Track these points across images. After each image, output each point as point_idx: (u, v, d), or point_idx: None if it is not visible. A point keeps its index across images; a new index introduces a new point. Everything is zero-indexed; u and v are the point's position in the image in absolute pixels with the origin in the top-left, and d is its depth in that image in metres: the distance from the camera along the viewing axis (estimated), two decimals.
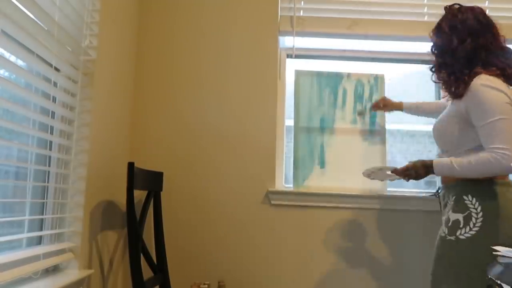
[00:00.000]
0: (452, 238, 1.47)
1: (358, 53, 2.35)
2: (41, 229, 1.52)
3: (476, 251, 1.41)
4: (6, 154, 1.37)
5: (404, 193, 2.17)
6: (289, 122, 2.26)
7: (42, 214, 1.53)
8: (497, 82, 1.44)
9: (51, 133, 1.55)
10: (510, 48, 1.53)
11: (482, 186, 1.47)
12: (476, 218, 1.44)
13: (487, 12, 2.04)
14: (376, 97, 2.18)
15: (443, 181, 1.64)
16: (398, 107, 2.04)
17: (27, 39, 1.29)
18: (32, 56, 1.35)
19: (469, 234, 1.44)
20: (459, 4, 1.59)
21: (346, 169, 2.13)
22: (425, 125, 2.24)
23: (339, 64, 2.36)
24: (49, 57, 1.44)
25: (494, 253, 1.36)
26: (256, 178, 2.15)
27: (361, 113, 2.18)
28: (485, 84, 1.43)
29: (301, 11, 2.30)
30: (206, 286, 2.00)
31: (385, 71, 2.26)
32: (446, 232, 1.50)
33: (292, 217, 2.13)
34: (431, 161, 1.55)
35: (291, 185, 2.15)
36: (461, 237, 1.45)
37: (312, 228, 2.12)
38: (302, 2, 2.30)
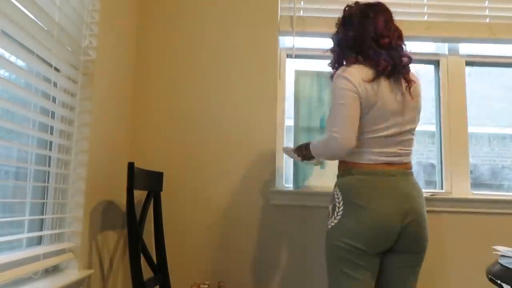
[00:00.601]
0: (326, 229, 1.52)
1: None
2: (41, 229, 1.53)
3: (336, 239, 1.46)
4: (6, 154, 1.37)
5: None
6: (289, 122, 2.26)
7: (42, 214, 1.53)
8: (350, 71, 1.47)
9: (51, 133, 1.55)
10: (401, 48, 1.54)
11: (343, 176, 1.53)
12: (339, 207, 1.48)
13: (486, 12, 2.04)
14: None
15: None
16: None
17: (27, 39, 1.29)
18: (32, 56, 1.35)
19: (333, 223, 1.49)
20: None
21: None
22: (425, 124, 2.24)
23: None
24: (49, 57, 1.44)
25: (494, 252, 1.36)
26: (256, 178, 2.15)
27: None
28: (337, 73, 1.51)
29: (301, 11, 2.30)
30: (206, 286, 2.00)
31: None
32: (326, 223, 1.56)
33: (292, 217, 2.13)
34: (309, 142, 1.65)
35: (291, 185, 2.15)
36: (329, 226, 1.50)
37: (312, 228, 2.12)
38: (302, 2, 2.30)
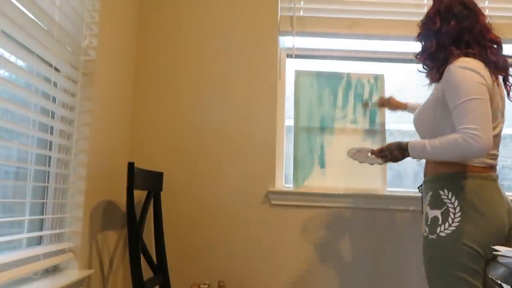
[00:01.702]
0: (434, 236, 1.41)
1: (358, 53, 2.35)
2: (41, 229, 1.52)
3: (457, 247, 1.36)
4: (6, 154, 1.37)
5: (404, 193, 2.17)
6: (289, 122, 2.26)
7: (42, 214, 1.53)
8: (474, 63, 1.39)
9: (51, 133, 1.55)
10: (501, 42, 1.49)
11: (458, 180, 1.41)
12: (454, 213, 1.38)
13: (486, 12, 2.04)
14: (376, 97, 2.18)
15: (424, 175, 1.60)
16: (403, 106, 2.04)
17: (27, 39, 1.29)
18: (32, 56, 1.35)
19: (449, 230, 1.38)
20: None
21: (346, 169, 2.13)
22: None
23: (339, 64, 2.36)
24: (49, 57, 1.44)
25: (494, 252, 1.36)
26: (256, 178, 2.15)
27: (366, 105, 2.17)
28: (460, 65, 1.39)
29: (301, 11, 2.30)
30: (206, 286, 2.00)
31: (385, 71, 2.25)
32: (427, 231, 1.44)
33: (292, 217, 2.13)
34: (406, 142, 1.51)
35: (291, 185, 2.15)
36: (442, 234, 1.39)
37: (312, 228, 2.12)
38: (302, 2, 2.30)
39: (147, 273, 1.77)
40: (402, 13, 2.27)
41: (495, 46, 1.46)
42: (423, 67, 1.59)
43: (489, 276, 1.37)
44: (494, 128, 1.39)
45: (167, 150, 2.18)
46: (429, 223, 1.43)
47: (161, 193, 2.04)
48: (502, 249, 1.34)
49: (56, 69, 1.51)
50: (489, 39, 1.47)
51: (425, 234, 1.45)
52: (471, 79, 1.35)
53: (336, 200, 2.12)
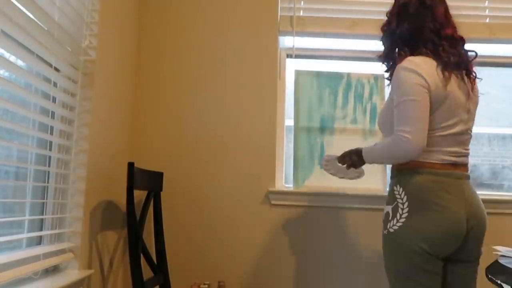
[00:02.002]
0: (385, 232, 1.41)
1: (358, 53, 2.35)
2: (41, 229, 1.52)
3: (404, 243, 1.34)
4: (6, 154, 1.37)
5: None
6: (289, 122, 2.26)
7: (42, 214, 1.53)
8: (417, 63, 1.36)
9: (51, 133, 1.55)
10: (461, 40, 1.47)
11: (411, 175, 1.39)
12: (402, 209, 1.37)
13: (486, 12, 2.03)
14: (376, 97, 2.18)
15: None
16: None
17: (27, 39, 1.29)
18: (32, 56, 1.35)
19: (397, 226, 1.37)
20: None
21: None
22: None
23: (339, 64, 2.36)
24: (49, 57, 1.44)
25: (494, 253, 1.36)
26: (256, 178, 2.15)
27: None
28: (402, 66, 1.37)
29: (301, 11, 2.30)
30: (206, 286, 2.00)
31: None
32: (382, 226, 1.44)
33: (292, 217, 2.13)
34: (362, 147, 1.54)
35: (291, 185, 2.15)
36: (391, 230, 1.38)
37: (312, 228, 2.12)
38: (302, 2, 2.30)
39: (147, 273, 1.77)
40: None
41: (449, 42, 1.42)
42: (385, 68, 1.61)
43: (489, 276, 1.37)
44: (449, 126, 1.38)
45: (167, 150, 2.19)
46: (383, 218, 1.44)
47: (161, 193, 2.04)
48: (502, 249, 1.34)
49: (56, 69, 1.51)
50: (444, 36, 1.43)
51: (382, 230, 1.46)
52: (408, 79, 1.34)
53: (336, 200, 2.12)
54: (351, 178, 1.75)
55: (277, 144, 2.19)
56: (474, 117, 1.48)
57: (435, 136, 1.37)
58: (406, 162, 1.40)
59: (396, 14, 1.51)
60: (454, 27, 1.47)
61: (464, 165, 1.44)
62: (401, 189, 1.39)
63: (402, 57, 1.42)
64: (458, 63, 1.40)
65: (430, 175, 1.37)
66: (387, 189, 2.09)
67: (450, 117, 1.38)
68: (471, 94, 1.44)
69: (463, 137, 1.42)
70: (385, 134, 1.55)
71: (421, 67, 1.35)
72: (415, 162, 1.39)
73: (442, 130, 1.38)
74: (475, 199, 1.39)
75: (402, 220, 1.36)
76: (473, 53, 1.47)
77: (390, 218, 1.39)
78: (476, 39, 2.27)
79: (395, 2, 1.55)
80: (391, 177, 1.49)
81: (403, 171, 1.42)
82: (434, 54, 1.39)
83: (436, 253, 1.33)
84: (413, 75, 1.34)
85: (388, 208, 1.42)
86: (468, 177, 1.42)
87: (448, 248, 1.35)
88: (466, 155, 1.45)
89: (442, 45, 1.41)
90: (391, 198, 1.42)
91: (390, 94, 1.48)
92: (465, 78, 1.43)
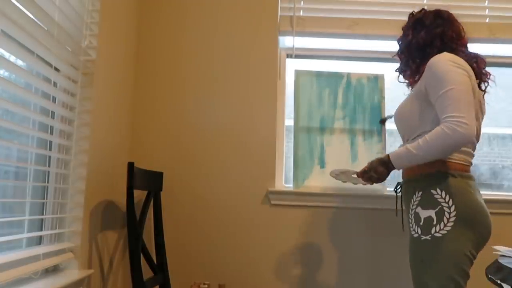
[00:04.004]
0: (428, 237, 1.35)
1: (358, 53, 2.35)
2: (41, 229, 1.52)
3: (454, 248, 1.32)
4: (6, 154, 1.37)
5: None
6: (289, 122, 2.26)
7: (42, 214, 1.53)
8: (456, 58, 1.39)
9: (51, 133, 1.55)
10: (473, 51, 1.52)
11: (443, 178, 1.37)
12: (449, 213, 1.33)
13: (486, 12, 2.05)
14: (376, 97, 2.18)
15: (404, 176, 1.56)
16: None
17: (27, 39, 1.29)
18: (32, 56, 1.35)
19: (444, 231, 1.33)
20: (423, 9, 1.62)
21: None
22: None
23: (339, 64, 2.36)
24: (49, 57, 1.44)
25: (494, 252, 1.36)
26: (256, 178, 2.15)
27: (383, 121, 2.17)
28: (444, 58, 1.38)
29: (301, 11, 2.30)
30: (206, 286, 2.00)
31: (385, 71, 2.26)
32: (419, 232, 1.38)
33: (292, 217, 2.13)
34: (387, 155, 1.46)
35: (291, 185, 2.15)
36: (437, 235, 1.33)
37: (312, 228, 2.13)
38: (302, 2, 2.30)
39: (147, 273, 1.77)
40: (402, 13, 2.26)
41: (465, 49, 1.49)
42: (404, 77, 1.67)
43: (489, 276, 1.37)
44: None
45: (167, 150, 2.19)
46: (421, 223, 1.38)
47: (161, 193, 2.04)
48: (502, 249, 1.34)
49: (56, 69, 1.52)
50: (460, 44, 1.49)
51: (416, 235, 1.39)
52: (451, 68, 1.34)
53: (336, 200, 2.12)
54: (355, 184, 1.73)
55: (277, 144, 2.20)
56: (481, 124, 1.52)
57: None
58: (433, 164, 1.38)
59: (412, 27, 1.58)
60: (466, 43, 1.53)
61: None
62: (443, 192, 1.35)
63: (433, 54, 1.44)
64: (479, 70, 1.44)
65: (463, 178, 1.38)
66: (387, 189, 2.10)
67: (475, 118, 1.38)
68: (482, 101, 1.49)
69: (477, 140, 1.46)
70: (403, 129, 1.55)
71: (461, 62, 1.38)
72: (445, 164, 1.38)
73: None
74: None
75: (450, 224, 1.32)
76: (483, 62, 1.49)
77: (434, 222, 1.34)
78: (476, 39, 2.28)
79: (409, 18, 1.62)
80: (418, 180, 1.44)
81: (436, 173, 1.38)
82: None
83: (476, 256, 1.35)
84: (456, 66, 1.35)
85: (431, 213, 1.36)
86: None
87: (482, 248, 1.38)
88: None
89: (462, 51, 1.46)
90: (432, 202, 1.36)
91: (413, 90, 1.50)
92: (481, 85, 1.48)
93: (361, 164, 2.09)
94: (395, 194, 1.68)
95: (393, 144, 2.32)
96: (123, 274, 2.06)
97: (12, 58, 1.32)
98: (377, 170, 1.48)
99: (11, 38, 1.25)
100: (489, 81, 1.49)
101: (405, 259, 2.11)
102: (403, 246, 2.10)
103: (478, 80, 1.45)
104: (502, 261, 1.36)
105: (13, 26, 1.21)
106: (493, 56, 2.34)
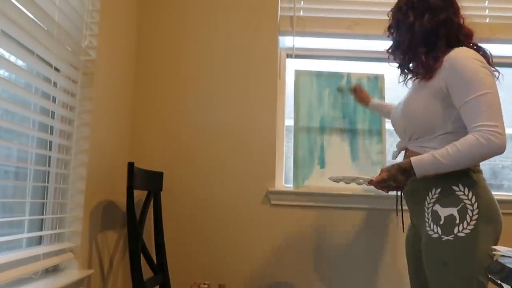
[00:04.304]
0: (450, 238, 1.26)
1: (358, 53, 2.35)
2: (41, 229, 1.52)
3: (479, 248, 1.24)
4: (6, 154, 1.37)
5: None
6: (289, 122, 2.26)
7: (42, 214, 1.53)
8: (478, 55, 1.31)
9: (51, 133, 1.55)
10: (473, 36, 1.40)
11: (470, 174, 1.30)
12: (472, 211, 1.25)
13: (486, 12, 2.02)
14: (376, 97, 2.18)
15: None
16: (366, 100, 1.98)
17: (27, 39, 1.29)
18: (32, 56, 1.35)
19: (468, 229, 1.24)
20: None
21: (346, 169, 2.13)
22: None
23: (339, 64, 2.36)
24: (49, 57, 1.44)
25: (494, 252, 1.36)
26: (256, 178, 2.15)
27: (341, 89, 2.17)
28: (467, 55, 1.28)
29: (301, 11, 2.30)
30: (206, 286, 2.00)
31: (385, 71, 2.26)
32: (439, 232, 1.28)
33: (292, 217, 2.13)
34: (408, 162, 1.31)
35: (291, 185, 2.15)
36: (460, 234, 1.25)
37: (312, 228, 2.12)
38: (302, 2, 2.30)
39: (147, 273, 1.77)
40: None
41: (470, 41, 1.38)
42: (398, 62, 1.49)
43: (489, 276, 1.37)
44: None
45: (167, 150, 2.19)
46: (442, 222, 1.28)
47: (161, 193, 2.04)
48: (502, 249, 1.34)
49: (56, 69, 1.51)
50: (465, 34, 1.38)
51: (436, 235, 1.29)
52: (480, 70, 1.24)
53: (336, 200, 2.12)
54: (359, 184, 1.61)
55: (277, 144, 2.20)
56: None
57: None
58: None
59: (412, 6, 1.39)
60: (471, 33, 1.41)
61: None
62: (466, 189, 1.27)
63: (439, 48, 1.33)
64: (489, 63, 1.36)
65: (480, 173, 1.33)
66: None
67: None
68: None
69: None
70: (412, 131, 1.42)
71: (483, 60, 1.30)
72: None
73: None
74: None
75: (473, 222, 1.24)
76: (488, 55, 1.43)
77: (457, 221, 1.25)
78: (476, 39, 2.27)
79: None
80: (435, 176, 1.31)
81: (463, 170, 1.28)
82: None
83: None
84: (483, 66, 1.26)
85: (452, 211, 1.26)
86: None
87: None
88: None
89: (468, 42, 1.36)
90: (454, 199, 1.28)
91: (425, 88, 1.36)
92: None
93: (361, 164, 2.09)
94: (395, 194, 1.57)
95: (393, 144, 2.32)
96: (123, 274, 2.06)
97: (12, 58, 1.32)
98: (397, 179, 1.34)
99: (11, 38, 1.25)
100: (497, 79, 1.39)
101: (405, 259, 2.11)
102: (402, 246, 2.10)
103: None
104: (502, 261, 1.36)
105: (13, 26, 1.21)
106: (493, 56, 2.33)
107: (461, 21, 1.40)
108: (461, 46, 1.35)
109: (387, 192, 1.44)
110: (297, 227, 2.13)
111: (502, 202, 2.10)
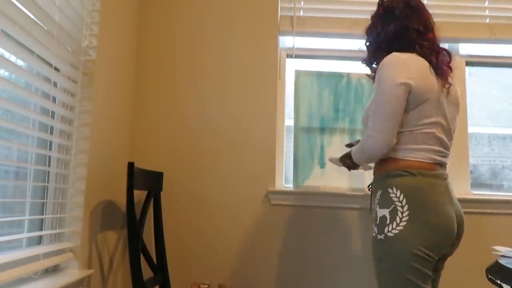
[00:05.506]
0: (382, 236, 1.34)
1: (358, 53, 2.34)
2: (41, 229, 1.52)
3: (405, 249, 1.30)
4: (6, 154, 1.37)
5: None
6: (289, 122, 2.26)
7: (42, 214, 1.53)
8: (401, 59, 1.36)
9: (51, 133, 1.55)
10: (443, 49, 1.47)
11: (401, 177, 1.36)
12: (402, 212, 1.32)
13: (486, 12, 2.02)
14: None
15: (373, 174, 1.55)
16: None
17: (27, 39, 1.29)
18: (32, 56, 1.35)
19: (397, 230, 1.31)
20: None
21: (346, 169, 2.12)
22: None
23: (339, 64, 2.36)
24: (49, 57, 1.44)
25: (494, 253, 1.36)
26: (256, 178, 2.15)
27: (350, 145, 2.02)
28: (386, 61, 1.37)
29: (301, 11, 2.30)
30: (206, 286, 2.00)
31: None
32: (376, 230, 1.37)
33: (292, 217, 2.13)
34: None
35: (291, 185, 2.15)
36: (389, 234, 1.32)
37: (312, 228, 2.12)
38: (302, 2, 2.30)
39: (147, 273, 1.77)
40: None
41: (431, 45, 1.43)
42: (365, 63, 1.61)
43: (489, 276, 1.37)
44: (431, 125, 1.38)
45: (167, 150, 2.19)
46: (377, 222, 1.38)
47: (161, 193, 2.04)
48: (502, 249, 1.34)
49: (56, 69, 1.52)
50: (426, 38, 1.44)
51: (374, 234, 1.39)
52: (389, 75, 1.35)
53: (336, 200, 2.12)
54: (365, 170, 1.80)
55: (277, 144, 2.19)
56: (456, 119, 1.49)
57: (418, 133, 1.37)
58: (395, 162, 1.39)
59: (381, 17, 1.52)
60: (436, 35, 1.47)
61: (445, 165, 1.46)
62: (398, 191, 1.35)
63: (387, 53, 1.41)
64: (439, 66, 1.41)
65: (422, 176, 1.36)
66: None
67: (433, 116, 1.38)
68: (450, 97, 1.44)
69: (446, 137, 1.43)
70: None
71: (405, 63, 1.35)
72: (405, 162, 1.38)
73: (425, 128, 1.37)
74: (455, 197, 1.42)
75: (403, 223, 1.31)
76: (447, 59, 1.46)
77: (387, 222, 1.34)
78: (476, 39, 2.29)
79: (378, 6, 1.57)
80: (381, 179, 1.44)
81: (395, 172, 1.38)
82: (419, 53, 1.40)
83: (434, 256, 1.32)
84: (395, 71, 1.34)
85: (384, 212, 1.36)
86: (448, 177, 1.44)
87: (444, 249, 1.36)
88: (447, 156, 1.46)
89: (425, 46, 1.42)
90: (387, 201, 1.36)
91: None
92: (444, 82, 1.43)
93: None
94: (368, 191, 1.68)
95: None
96: (123, 274, 2.06)
97: (12, 58, 1.32)
98: (346, 162, 1.66)
99: (11, 38, 1.25)
100: (449, 78, 1.43)
101: None
102: None
103: (444, 72, 1.42)
104: (502, 261, 1.36)
105: (13, 26, 1.21)
106: (493, 56, 2.34)
107: (423, 26, 1.46)
108: (421, 50, 1.41)
109: (349, 170, 1.73)
110: (297, 227, 2.13)
111: (502, 202, 2.12)
